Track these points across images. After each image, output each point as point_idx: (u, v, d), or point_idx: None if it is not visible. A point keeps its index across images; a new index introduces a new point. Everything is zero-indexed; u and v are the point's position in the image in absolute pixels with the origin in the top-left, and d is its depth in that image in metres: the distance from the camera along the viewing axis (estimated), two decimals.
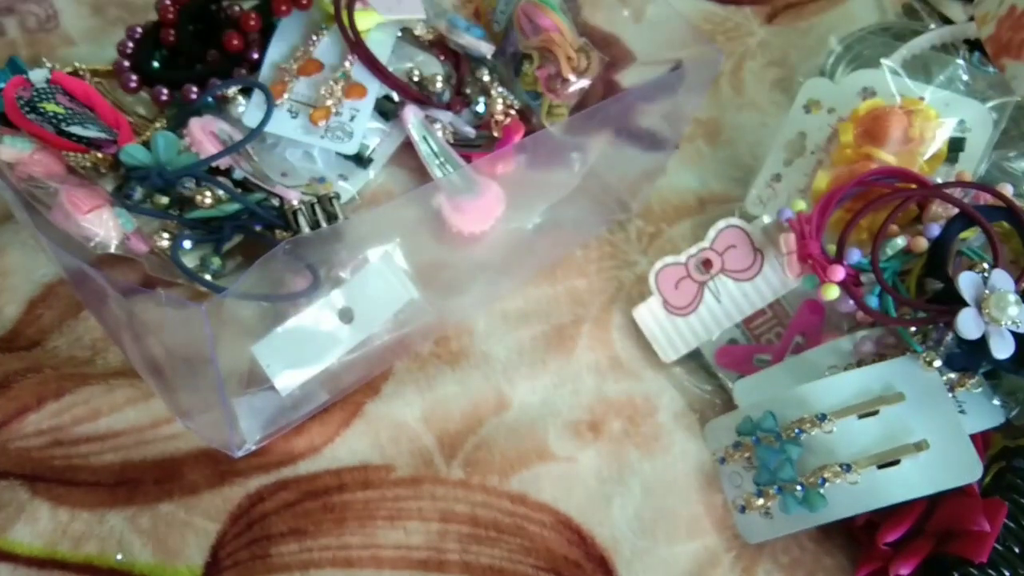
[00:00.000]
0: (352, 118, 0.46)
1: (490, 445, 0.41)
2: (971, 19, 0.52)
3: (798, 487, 0.37)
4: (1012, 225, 0.39)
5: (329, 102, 0.46)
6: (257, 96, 0.46)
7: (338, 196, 0.42)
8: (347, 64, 0.47)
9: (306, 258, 0.36)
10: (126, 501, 0.38)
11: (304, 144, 0.47)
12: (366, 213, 0.47)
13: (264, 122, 0.43)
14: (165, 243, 0.40)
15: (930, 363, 0.37)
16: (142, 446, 0.39)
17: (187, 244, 0.40)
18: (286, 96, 0.46)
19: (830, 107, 0.47)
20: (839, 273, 0.38)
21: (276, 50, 0.48)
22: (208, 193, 0.40)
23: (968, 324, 0.35)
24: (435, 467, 0.40)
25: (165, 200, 0.41)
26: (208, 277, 0.40)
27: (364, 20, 0.48)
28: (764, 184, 0.48)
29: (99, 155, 0.42)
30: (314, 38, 0.47)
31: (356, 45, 0.46)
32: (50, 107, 0.41)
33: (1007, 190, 0.40)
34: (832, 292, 0.39)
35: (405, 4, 0.47)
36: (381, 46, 0.48)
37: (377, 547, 0.38)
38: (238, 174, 0.43)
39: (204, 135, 0.41)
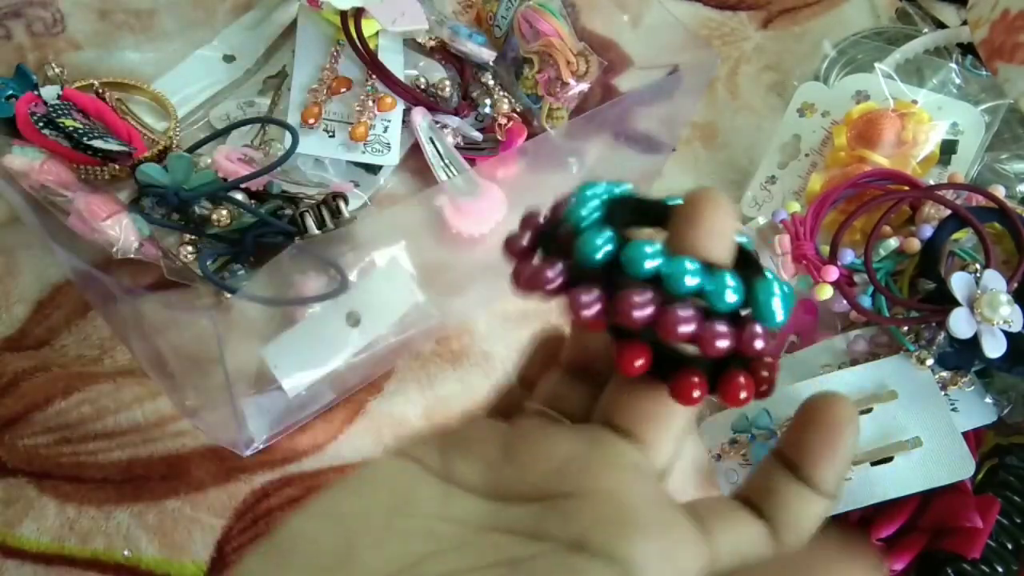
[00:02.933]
0: (385, 129, 0.47)
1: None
2: (964, 23, 0.52)
3: None
4: (1004, 226, 0.39)
5: (364, 117, 0.46)
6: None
7: (345, 197, 0.43)
8: (373, 77, 0.47)
9: (318, 259, 0.37)
10: (133, 498, 0.39)
11: (337, 159, 0.47)
12: (372, 216, 0.47)
13: (286, 157, 0.43)
14: (190, 257, 0.42)
15: (923, 362, 0.37)
16: (149, 443, 0.40)
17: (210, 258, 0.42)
18: (322, 118, 0.46)
19: (824, 110, 0.48)
20: (832, 273, 0.39)
21: (302, 72, 0.48)
22: (224, 212, 0.41)
23: (960, 323, 0.35)
24: None
25: (181, 218, 0.42)
26: (233, 282, 0.41)
27: (369, 27, 0.49)
28: (759, 186, 0.49)
29: (115, 167, 0.43)
30: (335, 52, 0.48)
31: (369, 61, 0.47)
32: (69, 123, 0.42)
33: (999, 192, 0.40)
34: (826, 292, 0.39)
35: (408, 16, 0.48)
36: (392, 54, 0.49)
37: None
38: (275, 187, 0.43)
39: (232, 163, 0.42)
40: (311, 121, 0.46)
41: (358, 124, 0.46)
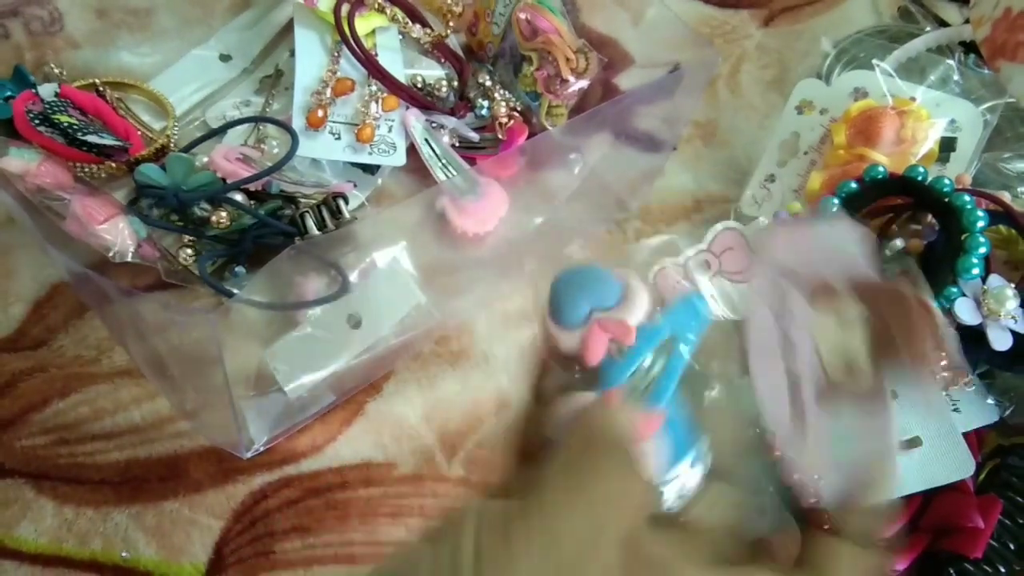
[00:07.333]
0: (390, 129, 0.47)
1: (491, 443, 0.42)
2: (966, 21, 0.52)
3: None
4: (1010, 227, 0.39)
5: (369, 118, 0.46)
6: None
7: (345, 198, 0.43)
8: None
9: (320, 260, 0.37)
10: (131, 499, 0.38)
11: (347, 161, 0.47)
12: (372, 215, 0.47)
13: (286, 160, 0.42)
14: (189, 258, 0.41)
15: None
16: (147, 444, 0.40)
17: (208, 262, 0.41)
18: (327, 120, 0.46)
19: (822, 108, 0.48)
20: None
21: (304, 73, 0.47)
22: (224, 214, 0.40)
23: (965, 311, 0.35)
24: (436, 465, 0.41)
25: (180, 220, 0.42)
26: (233, 283, 0.41)
27: (364, 25, 0.48)
28: (759, 184, 0.48)
29: (112, 165, 0.43)
30: (336, 53, 0.48)
31: (364, 59, 0.47)
32: (64, 118, 0.42)
33: (1005, 197, 0.40)
34: None
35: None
36: (391, 53, 0.49)
37: (379, 544, 0.38)
38: (274, 187, 0.43)
39: (231, 163, 0.41)
40: (317, 127, 0.46)
41: (364, 126, 0.46)
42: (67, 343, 0.43)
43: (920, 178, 0.39)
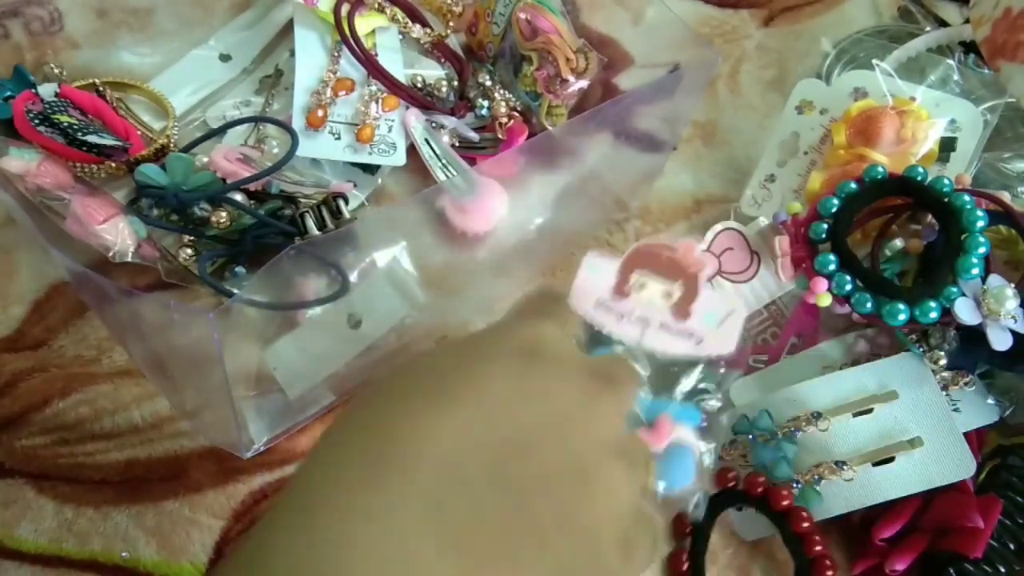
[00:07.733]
0: (390, 129, 0.47)
1: None
2: (966, 21, 0.52)
3: (794, 485, 0.37)
4: (1010, 227, 0.39)
5: (369, 118, 0.46)
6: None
7: (345, 197, 0.43)
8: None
9: (320, 260, 0.37)
10: (131, 499, 0.38)
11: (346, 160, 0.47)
12: (372, 215, 0.47)
13: (286, 160, 0.42)
14: (189, 258, 0.41)
15: (936, 362, 0.37)
16: (147, 444, 0.40)
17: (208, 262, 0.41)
18: (327, 120, 0.46)
19: (822, 108, 0.48)
20: (822, 286, 0.39)
21: (304, 73, 0.47)
22: (224, 214, 0.41)
23: (965, 311, 0.35)
24: None
25: (180, 220, 0.42)
26: (233, 283, 0.41)
27: (364, 24, 0.48)
28: (758, 185, 0.48)
29: (112, 165, 0.43)
30: (336, 54, 0.48)
31: (364, 59, 0.47)
32: (64, 118, 0.42)
33: (1005, 197, 0.40)
34: (825, 300, 0.39)
35: None
36: (391, 53, 0.49)
37: None
38: (274, 187, 0.43)
39: (231, 163, 0.41)
40: (317, 127, 0.46)
41: (364, 126, 0.46)
42: (67, 343, 0.43)
43: (920, 178, 0.39)
